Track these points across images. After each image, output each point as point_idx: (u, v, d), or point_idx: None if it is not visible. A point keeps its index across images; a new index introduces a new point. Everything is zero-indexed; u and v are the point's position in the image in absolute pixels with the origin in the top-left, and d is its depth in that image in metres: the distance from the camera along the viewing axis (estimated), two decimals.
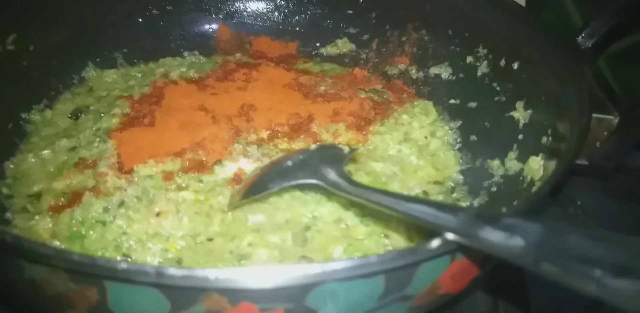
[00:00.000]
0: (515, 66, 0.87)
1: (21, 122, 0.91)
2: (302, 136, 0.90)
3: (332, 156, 0.69)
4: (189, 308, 0.45)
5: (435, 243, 0.44)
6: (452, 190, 0.86)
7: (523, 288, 0.79)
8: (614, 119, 0.69)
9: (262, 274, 0.41)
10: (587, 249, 0.35)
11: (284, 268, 0.41)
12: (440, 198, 0.83)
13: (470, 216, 0.44)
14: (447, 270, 0.50)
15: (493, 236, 0.41)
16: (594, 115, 0.69)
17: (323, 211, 0.77)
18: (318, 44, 1.17)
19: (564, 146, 0.65)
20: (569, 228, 0.38)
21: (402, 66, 1.09)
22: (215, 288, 0.42)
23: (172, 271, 0.40)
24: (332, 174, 0.65)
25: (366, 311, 0.48)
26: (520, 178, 0.76)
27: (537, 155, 0.75)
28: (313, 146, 0.76)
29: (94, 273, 0.42)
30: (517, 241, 0.39)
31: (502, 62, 0.90)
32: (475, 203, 0.81)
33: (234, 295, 0.43)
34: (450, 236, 0.43)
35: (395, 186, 0.84)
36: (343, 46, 1.16)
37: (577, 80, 0.69)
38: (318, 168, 0.66)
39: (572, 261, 0.35)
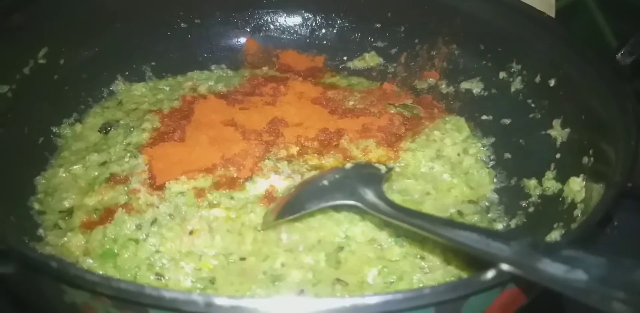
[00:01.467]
0: (552, 83, 0.85)
1: (52, 136, 0.91)
2: (331, 152, 0.89)
3: (369, 175, 0.68)
4: None
5: (490, 274, 0.42)
6: (488, 210, 0.84)
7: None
8: None
9: (312, 304, 0.40)
10: None
11: (334, 300, 0.40)
12: (475, 218, 0.81)
13: (525, 246, 0.43)
14: (496, 300, 0.48)
15: (552, 268, 0.40)
16: None
17: (356, 231, 0.75)
18: (345, 58, 1.16)
19: (610, 170, 0.63)
20: (634, 262, 0.36)
21: (431, 81, 1.08)
22: None
23: (221, 301, 0.39)
24: (370, 195, 0.63)
25: None
26: (560, 199, 0.75)
27: (577, 176, 0.73)
28: (348, 165, 0.75)
29: (140, 301, 0.41)
30: (580, 275, 0.38)
31: (538, 79, 0.88)
32: (512, 224, 0.80)
33: None
34: (505, 267, 0.42)
35: (428, 205, 0.83)
36: (371, 59, 1.15)
37: (620, 99, 0.68)
38: (355, 189, 0.65)
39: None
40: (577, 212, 0.68)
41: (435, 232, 0.51)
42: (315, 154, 0.89)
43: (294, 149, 0.90)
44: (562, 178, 0.76)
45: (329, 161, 0.88)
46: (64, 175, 0.84)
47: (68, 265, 0.42)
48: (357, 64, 1.15)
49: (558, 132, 0.82)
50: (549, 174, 0.80)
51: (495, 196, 0.86)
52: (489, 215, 0.83)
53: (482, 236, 0.46)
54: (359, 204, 0.63)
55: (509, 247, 0.43)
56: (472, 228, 0.50)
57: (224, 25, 1.15)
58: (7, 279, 0.52)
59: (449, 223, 0.52)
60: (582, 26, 1.34)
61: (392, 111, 0.99)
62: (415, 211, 0.59)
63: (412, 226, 0.55)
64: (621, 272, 0.36)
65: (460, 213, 0.82)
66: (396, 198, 0.83)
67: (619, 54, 0.83)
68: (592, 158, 0.71)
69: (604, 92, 0.73)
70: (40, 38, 0.91)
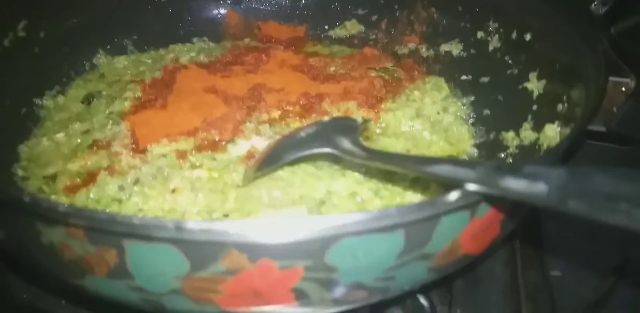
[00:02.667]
0: (528, 37, 0.86)
1: (34, 107, 0.92)
2: (313, 115, 0.90)
3: (346, 127, 0.69)
4: (208, 267, 0.45)
5: (455, 194, 0.43)
6: None
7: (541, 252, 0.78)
8: (630, 82, 0.68)
9: (281, 226, 0.41)
10: (611, 187, 0.35)
11: (304, 220, 0.41)
12: None
13: (490, 168, 0.44)
14: (467, 228, 0.49)
15: (515, 184, 0.40)
16: (610, 78, 0.68)
17: (337, 186, 0.76)
18: (327, 27, 1.17)
19: (580, 110, 0.64)
20: (593, 169, 0.37)
21: (412, 45, 1.08)
22: (234, 243, 0.42)
23: (191, 224, 0.40)
24: (345, 143, 0.64)
25: (386, 269, 0.48)
26: (536, 146, 0.75)
27: (553, 123, 0.74)
28: (326, 118, 0.76)
29: (112, 230, 0.41)
30: (541, 187, 0.39)
31: (514, 35, 0.89)
32: None
33: (254, 250, 0.43)
34: (471, 186, 0.43)
35: None
36: (352, 27, 1.15)
37: (591, 44, 0.68)
38: (332, 138, 0.66)
39: (598, 198, 0.34)
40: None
41: (409, 167, 0.52)
42: (297, 118, 0.90)
43: (276, 113, 0.90)
44: (538, 127, 0.77)
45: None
46: (47, 143, 0.85)
47: (40, 198, 0.42)
48: (338, 32, 1.16)
49: (534, 84, 0.83)
50: (526, 125, 0.80)
51: (474, 151, 0.87)
52: None
53: (449, 165, 0.47)
54: (335, 151, 0.64)
55: (474, 171, 0.44)
56: (440, 160, 0.51)
57: None
58: None
59: (420, 159, 0.52)
60: None
61: (372, 75, 0.99)
62: (388, 152, 0.60)
63: (389, 164, 0.56)
64: (579, 179, 0.37)
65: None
66: None
67: (593, 4, 0.84)
68: (565, 104, 0.72)
69: (576, 41, 0.73)
70: (20, 10, 0.91)
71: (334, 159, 0.70)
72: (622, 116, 0.69)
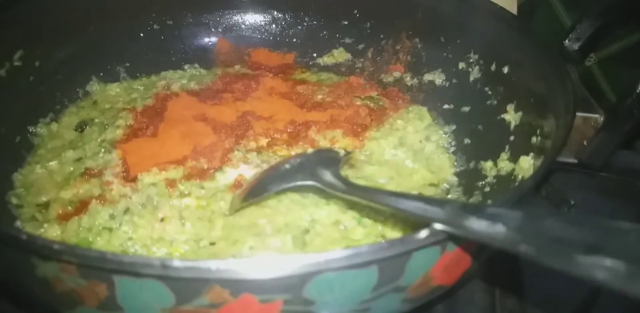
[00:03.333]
0: (505, 70, 0.90)
1: (28, 135, 0.94)
2: (300, 143, 0.93)
3: (329, 159, 0.72)
4: (193, 301, 0.47)
5: (424, 233, 0.46)
6: (448, 192, 0.88)
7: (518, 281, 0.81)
8: (599, 117, 0.72)
9: (260, 264, 0.43)
10: (561, 231, 0.38)
11: (281, 258, 0.43)
12: None
13: (457, 208, 0.47)
14: (439, 262, 0.52)
15: (477, 224, 0.43)
16: (580, 114, 0.71)
17: (321, 214, 0.79)
18: (315, 55, 1.20)
19: (548, 144, 0.67)
20: (547, 213, 0.40)
21: (397, 74, 1.12)
22: (217, 280, 0.45)
23: (176, 263, 0.43)
24: (327, 176, 0.67)
25: (362, 302, 0.50)
26: (512, 177, 0.79)
27: (527, 154, 0.77)
28: (310, 150, 0.79)
29: (103, 266, 0.44)
30: (499, 228, 0.42)
31: (493, 67, 0.93)
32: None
33: (235, 286, 0.46)
34: (438, 226, 0.46)
35: (392, 189, 0.86)
36: (339, 55, 1.19)
37: (562, 80, 0.72)
38: (315, 170, 0.69)
39: (547, 242, 0.37)
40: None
41: (383, 202, 0.55)
42: (284, 145, 0.93)
43: (264, 141, 0.94)
44: (514, 158, 0.80)
45: (298, 151, 0.92)
46: (41, 171, 0.87)
47: (36, 237, 0.45)
48: (326, 60, 1.20)
49: (512, 116, 0.86)
50: (504, 155, 0.84)
51: (455, 179, 0.90)
52: (449, 196, 0.87)
53: (420, 202, 0.50)
54: (317, 184, 0.67)
55: (442, 210, 0.47)
56: (412, 196, 0.54)
57: (195, 26, 1.19)
58: None
59: (395, 193, 0.56)
60: (544, 19, 1.39)
61: (358, 103, 1.03)
62: (366, 186, 0.63)
63: (365, 199, 0.59)
64: (534, 222, 0.40)
65: (421, 195, 0.86)
66: (361, 184, 0.87)
67: (567, 40, 0.88)
68: (539, 137, 0.75)
69: (549, 76, 0.77)
70: (16, 41, 0.94)
71: (318, 191, 0.72)
72: (592, 149, 0.72)
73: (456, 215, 0.46)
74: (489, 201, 0.68)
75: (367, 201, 0.58)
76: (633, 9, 0.76)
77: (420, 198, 0.52)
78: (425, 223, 0.48)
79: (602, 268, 0.33)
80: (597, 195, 0.98)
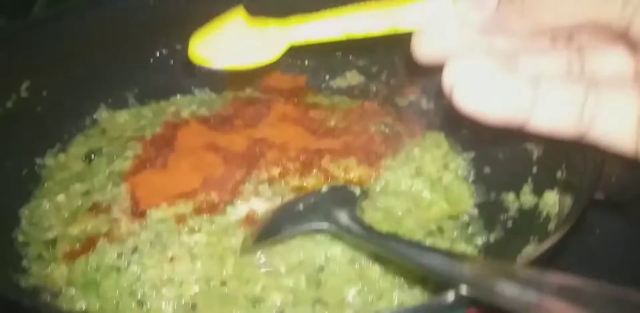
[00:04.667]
0: None
1: (35, 167, 0.92)
2: (313, 172, 0.90)
3: (344, 198, 0.69)
4: None
5: (449, 297, 0.43)
6: (467, 225, 0.84)
7: None
8: None
9: None
10: (603, 302, 0.34)
11: None
12: (455, 233, 0.82)
13: (485, 268, 0.43)
14: None
15: (508, 290, 0.40)
16: None
17: (336, 250, 0.76)
18: (327, 77, 1.18)
19: (577, 182, 0.64)
20: (586, 282, 0.37)
21: (412, 97, 1.09)
22: None
23: None
24: (344, 218, 0.64)
25: None
26: (536, 213, 0.75)
27: (552, 189, 0.73)
28: (324, 188, 0.76)
29: None
30: (533, 297, 0.38)
31: None
32: (492, 238, 0.80)
33: None
34: (464, 289, 0.43)
35: (409, 223, 0.83)
36: (352, 78, 1.16)
37: None
38: (330, 212, 0.66)
39: None
40: (551, 226, 0.69)
41: (403, 255, 0.52)
42: (297, 175, 0.90)
43: (276, 171, 0.91)
44: (538, 192, 0.77)
45: (311, 181, 0.89)
46: (48, 206, 0.85)
47: (39, 302, 0.42)
48: (339, 82, 1.17)
49: (534, 145, 0.83)
50: (526, 188, 0.80)
51: (475, 211, 0.86)
52: (469, 230, 0.83)
53: (445, 258, 0.47)
54: (332, 227, 0.64)
55: (469, 269, 0.44)
56: (437, 250, 0.51)
57: None
58: None
59: (417, 245, 0.52)
60: None
61: (372, 129, 1.00)
62: (386, 233, 0.60)
63: (382, 249, 0.56)
64: (572, 291, 0.37)
65: (440, 229, 0.82)
66: (378, 216, 0.84)
67: None
68: (564, 172, 0.72)
69: None
70: (23, 72, 0.92)
71: (333, 234, 0.69)
72: (620, 184, 0.68)
73: (486, 275, 0.42)
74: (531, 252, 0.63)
75: (385, 251, 0.55)
76: None
77: (445, 252, 0.49)
78: (446, 280, 0.45)
79: None
80: (626, 223, 0.94)
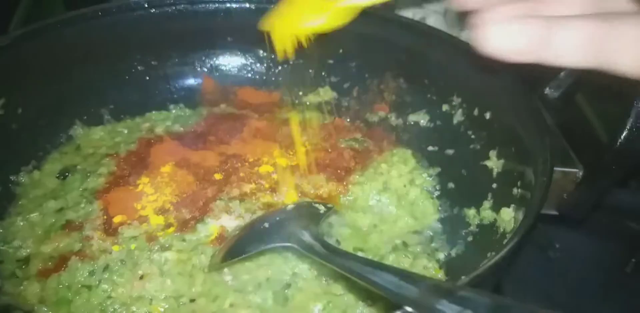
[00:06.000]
0: (488, 115, 0.90)
1: (10, 185, 0.93)
2: (284, 189, 0.93)
3: (309, 216, 0.71)
4: None
5: None
6: (431, 239, 0.87)
7: None
8: (579, 172, 0.71)
9: None
10: None
11: None
12: (419, 248, 0.85)
13: (430, 288, 0.46)
14: None
15: (447, 309, 0.43)
16: (560, 169, 0.71)
17: (303, 267, 0.78)
18: (301, 93, 1.20)
19: (529, 198, 0.67)
20: (513, 303, 0.40)
21: (382, 113, 1.12)
22: None
23: None
24: (306, 237, 0.67)
25: None
26: (494, 228, 0.78)
27: (508, 206, 0.77)
28: (290, 206, 0.78)
29: None
30: None
31: (476, 112, 0.93)
32: (453, 253, 0.83)
33: None
34: (409, 309, 0.45)
35: (375, 237, 0.86)
36: (325, 94, 1.19)
37: (540, 134, 0.72)
38: (294, 230, 0.68)
39: None
40: (506, 241, 0.72)
41: (359, 274, 0.54)
42: (268, 192, 0.93)
43: (247, 187, 0.93)
44: (496, 208, 0.80)
45: (281, 198, 0.91)
46: (22, 223, 0.86)
47: None
48: (311, 98, 1.19)
49: (494, 163, 0.86)
50: (486, 204, 0.83)
51: (439, 226, 0.89)
52: (433, 245, 0.86)
53: (396, 277, 0.50)
54: (295, 246, 0.67)
55: (417, 289, 0.47)
56: (392, 269, 0.53)
57: (181, 66, 1.18)
58: None
59: (372, 263, 0.55)
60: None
61: (342, 145, 1.03)
62: (346, 252, 0.63)
63: (341, 267, 0.59)
64: (500, 311, 0.40)
65: (405, 244, 0.85)
66: (345, 232, 0.87)
67: (547, 88, 0.88)
68: (519, 189, 0.75)
69: (528, 126, 0.77)
70: None
71: (296, 252, 0.72)
72: (572, 202, 0.72)
73: (428, 296, 0.45)
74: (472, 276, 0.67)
75: (344, 271, 0.58)
76: None
77: (397, 271, 0.52)
78: (394, 300, 0.48)
79: None
80: (583, 237, 0.98)
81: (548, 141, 0.69)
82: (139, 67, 1.14)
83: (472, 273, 0.50)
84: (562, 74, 0.85)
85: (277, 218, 0.73)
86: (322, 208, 0.76)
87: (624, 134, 0.67)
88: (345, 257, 0.60)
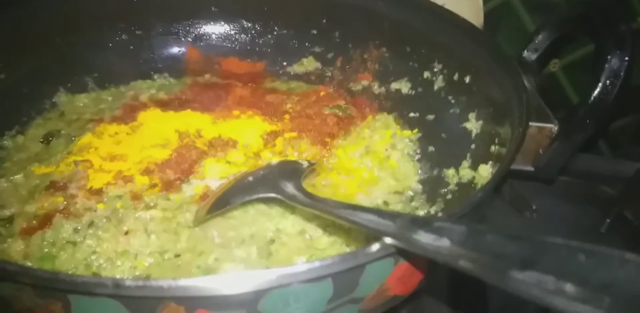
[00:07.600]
0: (467, 79, 0.92)
1: None
2: (268, 153, 0.94)
3: (292, 170, 0.73)
4: None
5: (374, 246, 0.47)
6: (412, 199, 0.89)
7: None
8: (554, 127, 0.74)
9: (212, 283, 0.44)
10: (500, 246, 0.39)
11: (234, 276, 0.44)
12: (399, 207, 0.87)
13: (407, 221, 0.48)
14: (393, 273, 0.53)
15: (424, 238, 0.45)
16: (536, 124, 0.74)
17: (287, 224, 0.80)
18: (285, 63, 1.21)
19: (505, 152, 0.69)
20: (488, 229, 0.41)
21: (365, 82, 1.13)
22: (171, 297, 0.45)
23: (129, 282, 0.43)
24: (290, 188, 0.68)
25: None
26: (472, 185, 0.80)
27: (486, 163, 0.79)
28: (274, 162, 0.80)
29: (57, 287, 0.44)
30: (444, 243, 0.43)
31: (456, 77, 0.95)
32: (432, 210, 0.85)
33: (190, 303, 0.46)
34: (388, 240, 0.47)
35: (357, 198, 0.88)
36: (309, 64, 1.20)
37: (517, 91, 0.74)
38: (277, 183, 0.70)
39: (485, 257, 0.38)
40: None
41: (340, 215, 0.56)
42: (252, 155, 0.94)
43: (232, 152, 0.94)
44: (475, 166, 0.82)
45: (265, 162, 0.92)
46: (6, 185, 0.87)
47: None
48: (296, 68, 1.21)
49: (473, 124, 0.88)
50: (465, 163, 0.86)
51: (419, 187, 0.91)
52: (412, 204, 0.88)
53: (374, 215, 0.52)
54: (278, 196, 0.68)
55: (394, 223, 0.49)
56: (368, 209, 0.55)
57: (165, 36, 1.18)
58: None
59: (351, 206, 0.57)
60: (510, 28, 1.41)
61: (326, 112, 1.04)
62: (325, 198, 0.64)
63: (324, 212, 0.60)
64: (476, 237, 0.42)
65: (385, 203, 0.87)
66: (329, 192, 0.88)
67: (525, 51, 0.90)
68: (497, 146, 0.77)
69: (506, 86, 0.79)
70: None
71: (281, 202, 0.73)
72: (547, 158, 0.74)
73: (406, 228, 0.47)
74: (449, 209, 0.69)
75: (326, 214, 0.59)
76: (582, 23, 0.78)
77: (374, 211, 0.54)
78: (376, 234, 0.50)
79: (533, 283, 0.35)
80: (559, 200, 1.01)
81: (525, 97, 0.71)
82: (123, 37, 1.14)
83: (450, 212, 0.52)
84: (539, 37, 0.87)
85: (262, 173, 0.74)
86: (304, 164, 0.77)
87: (597, 90, 0.69)
88: (326, 203, 0.62)
